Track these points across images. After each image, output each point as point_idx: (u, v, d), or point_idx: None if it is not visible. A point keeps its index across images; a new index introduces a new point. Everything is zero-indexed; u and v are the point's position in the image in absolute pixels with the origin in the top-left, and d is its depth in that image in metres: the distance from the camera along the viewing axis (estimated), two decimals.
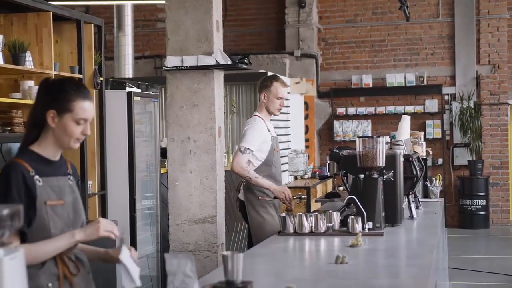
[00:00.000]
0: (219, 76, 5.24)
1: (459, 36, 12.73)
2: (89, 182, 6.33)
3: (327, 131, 13.12)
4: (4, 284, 1.74)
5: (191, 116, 5.13)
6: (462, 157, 12.65)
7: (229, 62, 5.06)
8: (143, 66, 13.04)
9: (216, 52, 5.05)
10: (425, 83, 12.77)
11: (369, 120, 12.90)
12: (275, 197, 5.32)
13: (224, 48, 5.31)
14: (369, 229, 4.18)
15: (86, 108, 2.76)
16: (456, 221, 12.56)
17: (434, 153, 12.32)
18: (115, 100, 6.61)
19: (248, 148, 5.24)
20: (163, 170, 7.05)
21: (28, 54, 5.59)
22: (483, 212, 12.30)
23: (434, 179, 6.91)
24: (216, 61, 5.03)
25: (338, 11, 13.18)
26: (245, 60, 5.24)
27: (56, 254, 2.70)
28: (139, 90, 7.71)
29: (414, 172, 5.03)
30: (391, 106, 12.84)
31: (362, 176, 4.32)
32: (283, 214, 4.29)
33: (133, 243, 6.58)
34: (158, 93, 8.47)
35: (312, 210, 7.34)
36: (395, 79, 12.77)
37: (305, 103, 12.25)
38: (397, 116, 11.79)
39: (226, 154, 7.96)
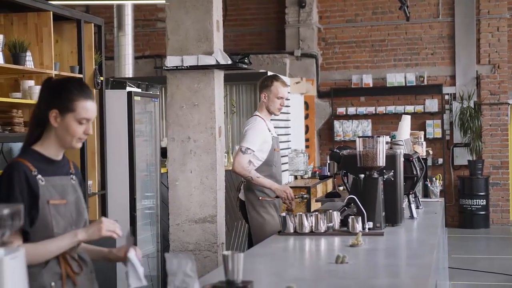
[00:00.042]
0: (219, 76, 5.24)
1: (459, 36, 12.73)
2: (89, 182, 6.33)
3: (327, 131, 13.12)
4: (4, 283, 1.74)
5: (191, 116, 5.13)
6: (462, 157, 12.65)
7: (229, 62, 5.06)
8: (143, 66, 13.04)
9: (216, 52, 5.05)
10: (425, 83, 12.77)
11: (369, 120, 12.90)
12: (276, 197, 5.32)
13: (224, 48, 5.31)
14: (369, 229, 4.18)
15: (89, 107, 2.77)
16: (456, 221, 12.57)
17: (434, 153, 12.32)
18: (115, 100, 6.61)
19: (249, 148, 5.24)
20: (163, 170, 7.05)
21: (28, 53, 5.59)
22: (483, 212, 12.30)
23: (434, 179, 6.91)
24: (216, 61, 5.03)
25: (338, 11, 13.18)
26: (245, 60, 5.24)
27: (58, 253, 2.71)
28: (139, 90, 7.70)
29: (414, 172, 5.03)
30: (391, 106, 12.84)
31: (362, 176, 4.32)
32: (283, 214, 4.29)
33: (133, 242, 6.58)
34: (158, 93, 8.47)
35: (312, 210, 7.34)
36: (395, 79, 12.77)
37: (305, 103, 12.25)
38: (397, 116, 11.79)
39: (226, 154, 7.97)
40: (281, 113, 5.69)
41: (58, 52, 6.17)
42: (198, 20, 5.09)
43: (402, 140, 5.51)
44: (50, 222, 2.69)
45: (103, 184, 6.51)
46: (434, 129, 12.70)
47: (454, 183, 12.71)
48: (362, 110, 12.90)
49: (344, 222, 4.23)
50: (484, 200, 12.28)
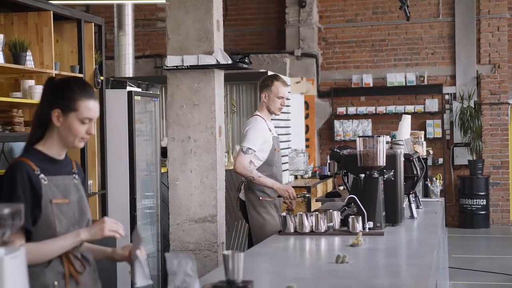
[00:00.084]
0: (219, 75, 5.24)
1: (459, 35, 12.73)
2: (90, 182, 6.33)
3: (327, 130, 13.12)
4: (5, 283, 1.74)
5: (192, 116, 5.13)
6: (462, 156, 12.65)
7: (230, 61, 5.06)
8: (144, 66, 13.04)
9: (217, 52, 5.05)
10: (426, 82, 12.77)
11: (370, 120, 12.90)
12: (279, 196, 5.32)
13: (225, 47, 5.31)
14: (369, 228, 4.18)
15: (91, 107, 2.77)
16: (456, 220, 12.57)
17: (434, 153, 12.32)
18: (116, 99, 6.61)
19: (250, 148, 5.23)
20: (163, 170, 7.05)
21: (29, 53, 5.60)
22: (483, 212, 12.30)
23: (434, 178, 6.90)
24: (217, 60, 5.03)
25: (339, 10, 13.18)
26: (246, 60, 5.24)
27: (61, 253, 2.71)
28: (140, 90, 7.70)
29: (415, 172, 5.03)
30: (391, 105, 12.84)
31: (362, 175, 4.32)
32: (284, 214, 4.29)
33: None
34: (158, 93, 8.47)
35: (312, 210, 7.34)
36: (395, 78, 12.77)
37: (306, 102, 12.25)
38: (398, 116, 11.79)
39: (226, 154, 7.97)
40: (281, 112, 5.69)
41: (58, 51, 6.17)
42: (198, 19, 5.09)
43: (402, 140, 5.51)
44: (53, 221, 2.69)
45: (103, 184, 6.51)
46: (434, 129, 12.70)
47: (454, 183, 12.71)
48: (362, 109, 12.90)
49: (344, 222, 4.22)
50: (484, 200, 12.29)
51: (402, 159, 4.66)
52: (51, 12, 5.83)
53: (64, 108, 2.74)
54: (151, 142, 7.19)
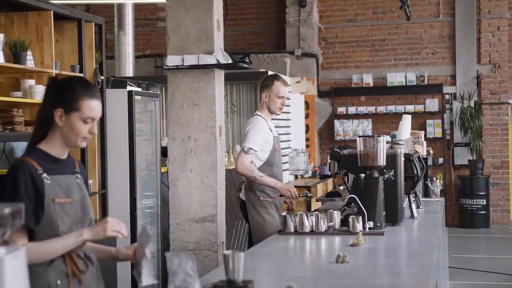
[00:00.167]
0: (219, 75, 5.24)
1: (459, 35, 12.73)
2: (90, 181, 6.33)
3: (327, 130, 13.12)
4: (5, 283, 1.74)
5: (192, 115, 5.13)
6: (462, 156, 12.65)
7: (230, 61, 5.06)
8: (144, 65, 13.04)
9: (217, 51, 5.05)
10: (426, 82, 12.76)
11: (370, 120, 12.90)
12: (281, 195, 5.32)
13: (225, 47, 5.31)
14: (369, 228, 4.18)
15: (94, 107, 2.77)
16: (456, 220, 12.56)
17: (434, 153, 12.31)
18: (116, 99, 6.61)
19: (252, 148, 5.23)
20: (163, 169, 7.05)
21: (29, 53, 5.60)
22: (483, 212, 12.30)
23: (434, 178, 6.90)
24: (217, 60, 5.03)
25: (339, 10, 13.18)
26: (246, 59, 5.24)
27: (64, 252, 2.72)
28: (140, 89, 7.71)
29: (415, 172, 5.03)
30: (391, 105, 12.84)
31: (362, 175, 4.32)
32: (284, 213, 4.29)
33: (133, 242, 6.58)
34: (158, 92, 8.47)
35: (312, 209, 7.34)
36: (395, 78, 12.77)
37: (306, 102, 12.25)
38: (398, 116, 11.79)
39: (226, 153, 7.96)
40: (281, 112, 5.69)
41: (58, 51, 6.17)
42: (198, 19, 5.09)
43: (402, 140, 5.51)
44: (56, 220, 2.70)
45: (103, 183, 6.52)
46: (434, 128, 12.70)
47: (455, 183, 12.71)
48: (362, 109, 12.90)
49: (344, 222, 4.22)
50: (484, 199, 12.29)
51: (402, 159, 4.65)
52: (52, 11, 5.83)
53: (67, 107, 2.75)
54: (151, 142, 7.19)
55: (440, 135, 12.68)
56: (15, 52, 5.47)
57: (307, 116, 12.32)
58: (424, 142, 7.08)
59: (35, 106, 5.57)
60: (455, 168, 12.77)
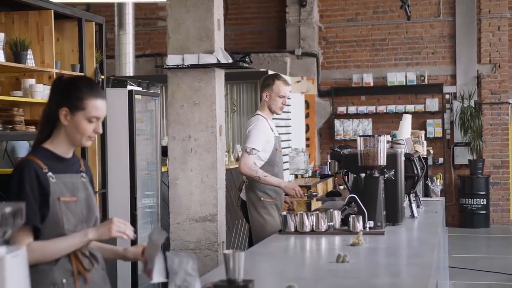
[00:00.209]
0: (220, 74, 5.24)
1: (460, 35, 12.73)
2: None
3: (327, 130, 13.12)
4: (6, 282, 1.74)
5: (192, 115, 5.13)
6: (462, 156, 12.65)
7: (230, 60, 5.06)
8: (144, 65, 13.04)
9: (217, 51, 5.05)
10: (426, 82, 12.76)
11: (370, 119, 12.90)
12: (286, 194, 5.32)
13: (225, 46, 5.31)
14: (370, 228, 4.18)
15: (99, 106, 2.78)
16: (456, 220, 12.56)
17: (434, 152, 12.31)
18: (116, 98, 6.61)
19: (254, 149, 5.21)
20: (163, 169, 7.05)
21: (30, 52, 5.60)
22: (483, 211, 12.30)
23: (434, 178, 6.90)
24: (217, 59, 5.03)
25: (339, 10, 13.18)
26: (246, 59, 5.24)
27: (69, 251, 2.73)
28: (140, 89, 7.71)
29: (415, 171, 5.03)
30: (391, 105, 12.83)
31: (363, 175, 4.32)
32: (284, 213, 4.29)
33: (133, 241, 6.58)
34: (159, 92, 8.47)
35: (313, 209, 7.34)
36: (396, 78, 12.77)
37: (306, 102, 12.25)
38: (398, 115, 11.79)
39: (226, 153, 7.96)
40: (282, 112, 5.68)
41: (59, 50, 6.18)
42: (199, 18, 5.09)
43: (402, 139, 5.51)
44: (61, 219, 2.71)
45: (103, 183, 6.52)
46: (434, 128, 12.70)
47: (455, 183, 12.71)
48: (362, 109, 12.89)
49: (344, 221, 4.22)
50: (485, 199, 12.29)
51: (403, 158, 4.66)
52: (52, 11, 5.83)
53: (72, 107, 2.76)
54: (152, 141, 7.19)
55: (440, 135, 12.68)
56: (16, 51, 5.47)
57: (307, 115, 12.32)
58: (424, 142, 7.08)
59: (36, 105, 5.57)
60: (455, 167, 12.77)
